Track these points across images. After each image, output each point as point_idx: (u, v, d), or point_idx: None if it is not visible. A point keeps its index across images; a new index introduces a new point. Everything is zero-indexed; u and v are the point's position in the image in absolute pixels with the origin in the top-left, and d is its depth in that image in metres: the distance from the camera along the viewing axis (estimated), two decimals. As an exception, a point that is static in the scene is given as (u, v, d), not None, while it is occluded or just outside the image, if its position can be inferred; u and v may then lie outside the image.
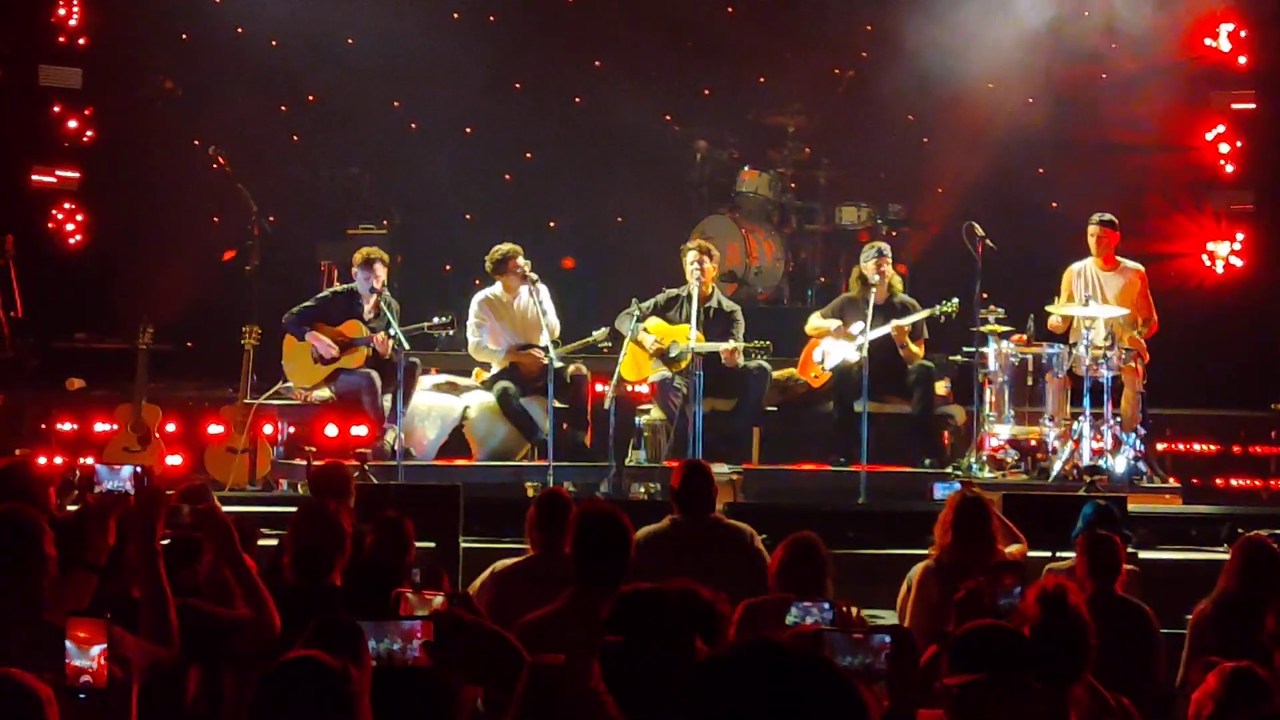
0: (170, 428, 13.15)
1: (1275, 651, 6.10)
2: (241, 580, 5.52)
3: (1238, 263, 15.33)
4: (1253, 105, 15.38)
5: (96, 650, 4.35)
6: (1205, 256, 15.37)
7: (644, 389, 12.74)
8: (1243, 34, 15.23)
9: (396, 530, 7.21)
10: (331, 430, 12.41)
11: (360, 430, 12.34)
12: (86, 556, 5.17)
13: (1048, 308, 12.73)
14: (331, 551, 6.24)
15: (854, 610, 5.14)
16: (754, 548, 7.99)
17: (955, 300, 12.56)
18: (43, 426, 13.31)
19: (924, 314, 12.66)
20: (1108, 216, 12.82)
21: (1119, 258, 12.85)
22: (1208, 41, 15.31)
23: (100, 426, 13.24)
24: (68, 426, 13.28)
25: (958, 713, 4.66)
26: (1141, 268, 12.92)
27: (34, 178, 15.44)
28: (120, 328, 14.25)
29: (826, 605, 4.99)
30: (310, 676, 3.80)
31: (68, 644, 4.36)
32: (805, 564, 6.63)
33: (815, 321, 13.14)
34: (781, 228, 15.76)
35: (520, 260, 12.73)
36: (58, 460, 12.12)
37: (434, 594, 4.67)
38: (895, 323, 12.54)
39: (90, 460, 12.25)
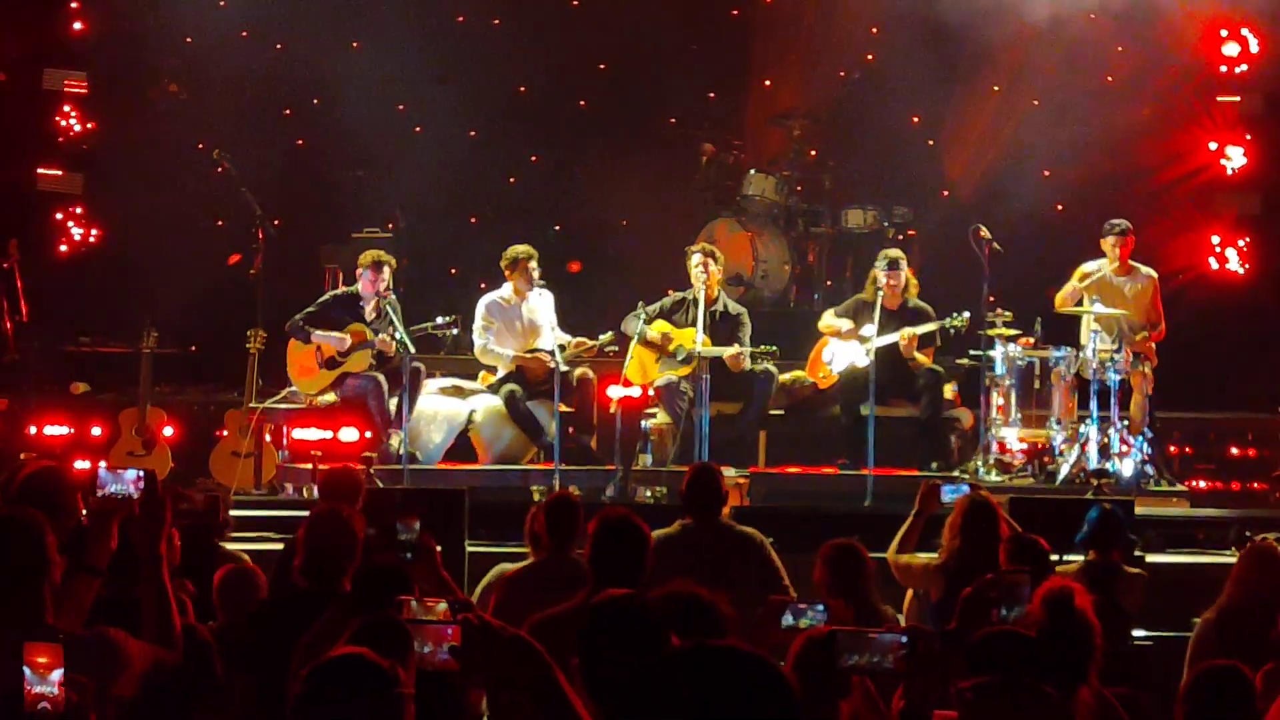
0: (172, 431, 13.13)
1: None
2: (156, 599, 5.17)
3: (1244, 266, 15.30)
4: (1259, 109, 15.36)
5: (56, 675, 4.32)
6: (1212, 259, 15.34)
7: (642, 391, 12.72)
8: (1250, 37, 15.20)
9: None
10: (339, 434, 12.39)
11: (352, 434, 12.29)
12: (88, 560, 5.15)
13: (1058, 305, 12.77)
14: (343, 556, 6.21)
15: (849, 612, 5.15)
16: (764, 553, 7.99)
17: (966, 315, 12.54)
18: (31, 431, 13.27)
19: (933, 326, 12.65)
20: (1124, 224, 12.81)
21: (1133, 263, 12.84)
22: (1215, 44, 15.28)
23: (95, 430, 13.23)
24: (61, 430, 13.24)
25: (970, 715, 4.66)
26: (1154, 274, 12.92)
27: (39, 181, 15.43)
28: (124, 331, 14.23)
29: (821, 607, 5.01)
30: (359, 674, 3.71)
31: (25, 670, 4.32)
32: (844, 571, 6.75)
33: (828, 320, 13.11)
34: (787, 231, 15.74)
35: (533, 265, 12.75)
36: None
37: (436, 601, 4.65)
38: (905, 331, 12.51)
39: (86, 464, 12.29)
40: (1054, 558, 8.70)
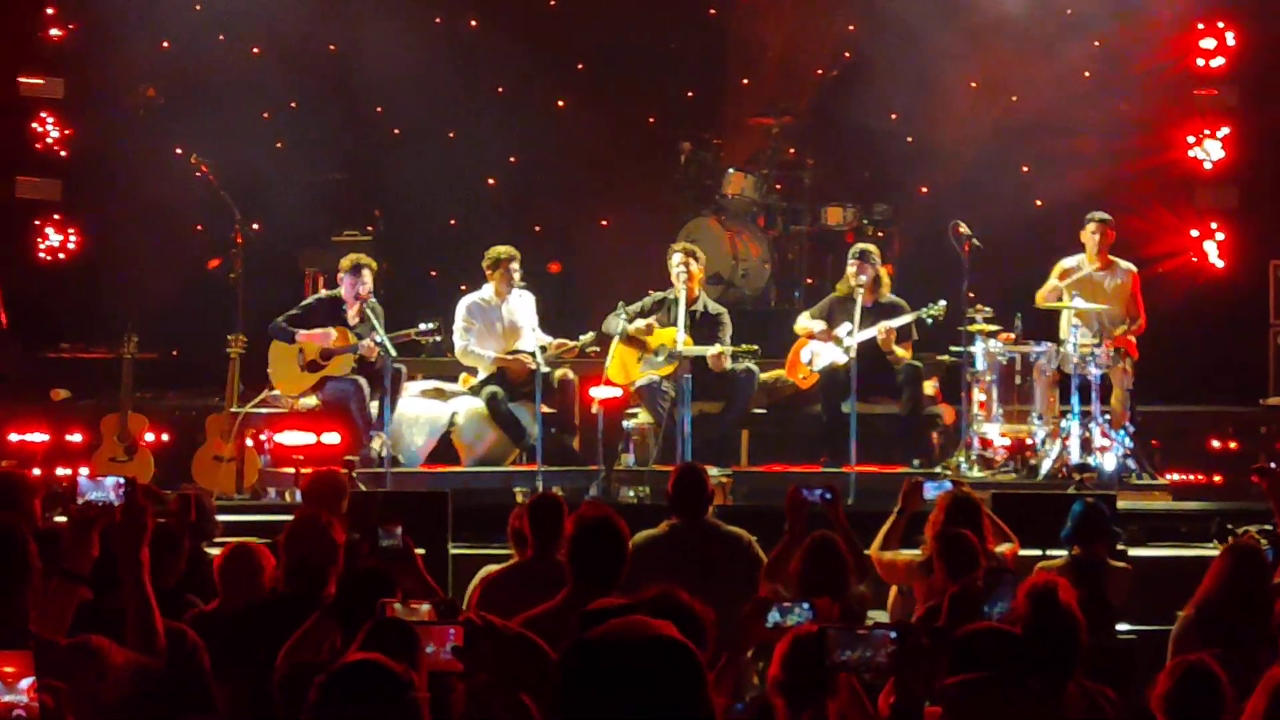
0: (153, 436, 13.09)
1: None
2: (138, 605, 5.19)
3: (1222, 259, 15.33)
4: (1236, 103, 15.40)
5: (25, 684, 4.31)
6: (1192, 253, 15.37)
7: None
8: (1227, 32, 15.25)
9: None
10: (321, 438, 12.36)
11: (334, 438, 12.26)
12: (69, 568, 5.13)
13: (1038, 301, 12.79)
14: (325, 561, 6.21)
15: (835, 609, 5.16)
16: (751, 552, 7.99)
17: (942, 303, 12.55)
18: (11, 438, 13.21)
19: (910, 318, 12.66)
20: (1104, 215, 12.85)
21: (1112, 257, 12.87)
22: (1192, 39, 15.31)
23: (73, 437, 13.18)
24: (42, 437, 13.19)
25: (956, 711, 4.66)
26: (1134, 268, 12.95)
27: (17, 188, 15.38)
28: (105, 337, 14.19)
29: (806, 605, 5.01)
30: (375, 680, 3.70)
31: None
32: (823, 565, 6.72)
33: (803, 321, 13.13)
34: (767, 229, 15.74)
35: (515, 266, 12.75)
36: (36, 472, 12.04)
37: (420, 603, 4.63)
38: (882, 325, 12.52)
39: (68, 471, 12.25)
40: (1038, 553, 8.76)
